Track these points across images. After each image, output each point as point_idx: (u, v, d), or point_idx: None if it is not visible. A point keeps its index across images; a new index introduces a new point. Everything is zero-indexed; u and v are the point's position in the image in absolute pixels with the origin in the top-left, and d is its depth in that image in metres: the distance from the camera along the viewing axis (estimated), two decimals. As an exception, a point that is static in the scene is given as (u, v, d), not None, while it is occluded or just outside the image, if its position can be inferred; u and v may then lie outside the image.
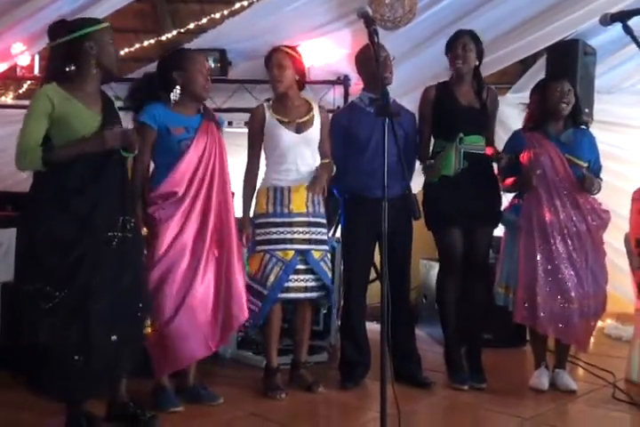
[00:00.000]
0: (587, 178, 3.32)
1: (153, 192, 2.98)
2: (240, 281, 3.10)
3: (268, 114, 3.31)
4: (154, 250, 2.94)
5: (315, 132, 3.36)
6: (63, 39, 2.64)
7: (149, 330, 2.79)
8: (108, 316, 2.55)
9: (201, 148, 3.04)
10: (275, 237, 3.25)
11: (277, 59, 3.31)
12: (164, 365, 2.98)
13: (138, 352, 2.72)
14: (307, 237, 3.29)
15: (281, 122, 3.30)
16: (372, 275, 3.79)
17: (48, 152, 2.56)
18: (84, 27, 2.64)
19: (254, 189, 3.34)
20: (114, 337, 2.56)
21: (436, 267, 3.76)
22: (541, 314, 3.28)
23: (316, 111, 3.40)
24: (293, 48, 3.41)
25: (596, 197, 3.46)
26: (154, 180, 3.04)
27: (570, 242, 3.33)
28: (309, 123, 3.35)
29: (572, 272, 3.31)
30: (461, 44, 3.43)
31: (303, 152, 3.32)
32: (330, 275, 3.38)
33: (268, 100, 3.42)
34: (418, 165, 3.70)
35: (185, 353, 2.97)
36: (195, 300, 2.97)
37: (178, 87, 3.06)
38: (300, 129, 3.32)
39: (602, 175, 3.53)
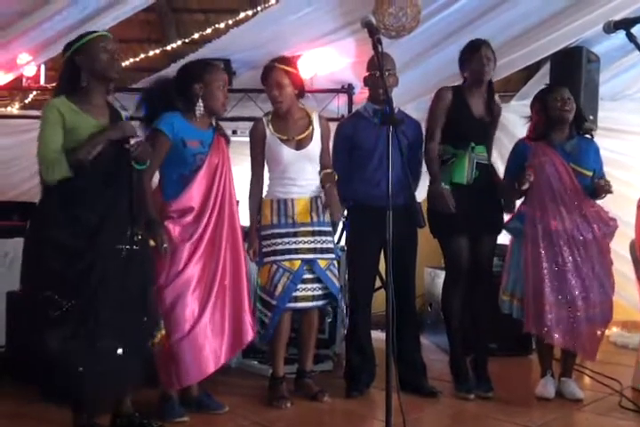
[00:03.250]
0: (604, 182, 3.31)
1: (169, 207, 2.98)
2: (247, 295, 3.12)
3: (268, 131, 3.32)
4: (170, 267, 2.94)
5: (315, 146, 3.36)
6: (64, 58, 2.71)
7: (159, 338, 2.78)
8: (114, 328, 2.55)
9: (214, 163, 3.05)
10: (280, 247, 3.26)
11: (275, 78, 3.27)
12: (173, 380, 2.98)
13: (143, 365, 2.70)
14: (312, 246, 3.30)
15: (280, 139, 3.30)
16: (378, 283, 3.78)
17: (70, 157, 2.54)
18: (72, 44, 2.70)
19: (260, 203, 3.35)
20: (119, 350, 2.56)
21: (440, 275, 3.75)
22: (549, 323, 3.27)
23: (315, 123, 3.39)
24: (290, 62, 3.36)
25: (600, 204, 3.45)
26: (166, 193, 3.03)
27: (576, 250, 3.33)
28: (309, 138, 3.35)
29: (578, 280, 3.30)
30: (484, 54, 3.40)
31: (304, 167, 3.33)
32: (337, 283, 3.37)
33: (267, 114, 3.42)
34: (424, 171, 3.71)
35: (195, 370, 2.97)
36: (208, 318, 2.98)
37: (201, 103, 3.05)
38: (299, 146, 3.33)
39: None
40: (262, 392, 3.38)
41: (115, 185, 2.64)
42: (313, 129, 3.37)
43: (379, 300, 3.41)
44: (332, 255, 3.39)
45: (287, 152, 3.29)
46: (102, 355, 2.51)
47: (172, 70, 3.72)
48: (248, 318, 3.10)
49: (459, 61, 3.52)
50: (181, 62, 4.58)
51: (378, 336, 3.64)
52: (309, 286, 3.29)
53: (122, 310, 2.58)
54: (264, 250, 3.29)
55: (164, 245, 2.89)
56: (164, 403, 3.01)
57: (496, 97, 3.61)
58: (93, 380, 2.49)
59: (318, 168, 3.39)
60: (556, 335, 3.29)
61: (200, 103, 3.06)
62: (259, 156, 3.36)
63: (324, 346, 4.04)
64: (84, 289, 2.51)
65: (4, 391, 3.21)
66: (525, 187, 3.33)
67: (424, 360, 3.57)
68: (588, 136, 3.54)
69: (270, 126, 3.33)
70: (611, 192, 3.36)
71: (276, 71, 3.27)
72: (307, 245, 3.29)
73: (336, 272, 3.39)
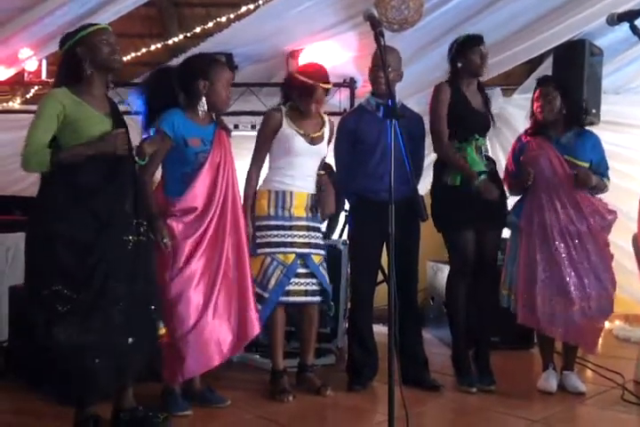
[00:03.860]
0: (579, 173, 3.31)
1: (172, 206, 2.98)
2: (252, 290, 3.12)
3: (285, 122, 3.32)
4: (174, 262, 2.95)
5: (324, 146, 3.42)
6: (62, 49, 2.72)
7: (163, 331, 2.79)
8: (124, 318, 2.57)
9: (216, 161, 3.04)
10: (275, 239, 3.27)
11: (319, 97, 3.30)
12: (177, 374, 2.98)
13: (151, 354, 2.72)
14: (306, 240, 3.31)
15: (297, 132, 3.32)
16: (380, 277, 3.78)
17: (56, 154, 2.56)
18: (73, 35, 2.70)
19: (255, 191, 3.35)
20: (130, 339, 2.58)
21: (443, 269, 3.76)
22: (542, 315, 3.28)
23: (326, 125, 3.45)
24: (328, 77, 3.34)
25: (602, 197, 3.45)
26: (169, 190, 3.04)
27: (570, 243, 3.32)
28: (321, 137, 3.40)
29: (572, 273, 3.30)
30: (482, 51, 3.42)
31: (310, 162, 3.36)
32: (328, 279, 3.39)
33: (284, 104, 3.40)
34: (425, 165, 3.71)
35: (200, 363, 2.98)
36: (213, 311, 2.99)
37: (204, 100, 3.04)
38: (313, 142, 3.35)
39: (610, 177, 3.51)
40: (264, 386, 3.38)
41: (118, 178, 2.64)
42: (324, 131, 3.42)
43: (381, 294, 3.41)
44: (324, 252, 3.41)
45: (301, 144, 3.30)
46: (111, 347, 2.52)
47: (173, 65, 3.72)
48: (253, 313, 3.09)
49: (452, 52, 3.51)
50: (183, 57, 4.60)
51: (380, 330, 3.64)
52: (302, 280, 3.30)
53: (130, 301, 2.59)
54: (258, 241, 3.27)
55: (165, 240, 2.90)
56: (167, 397, 3.02)
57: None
58: (101, 372, 2.50)
59: (318, 166, 3.42)
60: (550, 327, 3.31)
61: (203, 101, 3.05)
62: (265, 144, 3.35)
63: (326, 340, 4.04)
64: (94, 282, 2.52)
65: (7, 387, 3.22)
66: (527, 184, 3.37)
67: (426, 354, 3.57)
68: (588, 128, 3.55)
69: (288, 119, 3.33)
70: (587, 188, 3.34)
71: (320, 91, 3.29)
72: (301, 240, 3.30)
73: (326, 268, 3.40)
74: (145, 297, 2.68)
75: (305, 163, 3.34)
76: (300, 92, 3.31)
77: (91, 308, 2.51)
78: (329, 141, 3.47)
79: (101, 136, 2.62)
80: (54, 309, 2.48)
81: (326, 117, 3.49)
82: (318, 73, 3.33)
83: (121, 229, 2.62)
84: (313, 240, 3.34)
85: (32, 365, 2.60)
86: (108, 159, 2.62)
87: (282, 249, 3.26)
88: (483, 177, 3.37)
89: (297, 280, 3.28)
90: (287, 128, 3.31)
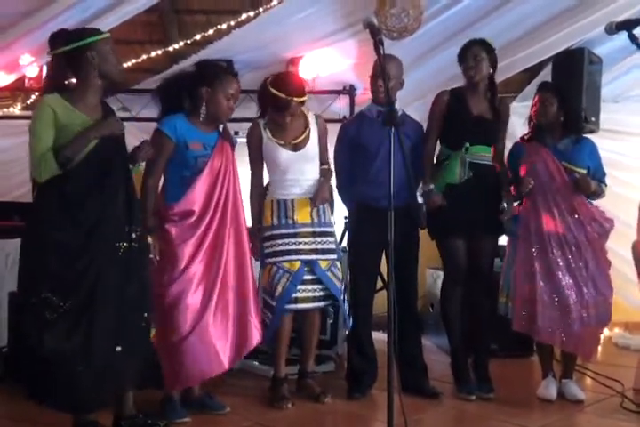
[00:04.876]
0: (580, 179, 3.31)
1: (170, 209, 2.98)
2: (254, 298, 3.11)
3: (265, 135, 3.32)
4: (172, 267, 2.95)
5: (312, 147, 3.37)
6: (66, 48, 2.62)
7: (152, 334, 2.77)
8: (113, 326, 2.55)
9: (217, 166, 3.05)
10: (280, 248, 3.27)
11: (293, 111, 3.26)
12: (175, 380, 2.98)
13: (144, 362, 2.70)
14: (312, 247, 3.30)
15: (278, 143, 3.31)
16: (379, 284, 3.78)
17: (59, 155, 2.51)
18: (85, 36, 2.62)
19: (261, 201, 3.36)
20: (119, 348, 2.55)
21: (442, 276, 3.75)
22: (539, 323, 3.27)
23: (312, 124, 3.40)
24: (305, 91, 3.32)
25: (600, 205, 3.45)
26: (168, 194, 3.04)
27: (568, 250, 3.32)
28: (306, 140, 3.36)
29: (570, 281, 3.30)
30: (472, 54, 3.43)
31: (303, 167, 3.34)
32: (338, 284, 3.36)
33: (262, 116, 3.38)
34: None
35: (198, 371, 2.97)
36: (211, 317, 2.98)
37: (204, 106, 3.05)
38: (296, 147, 3.33)
39: (608, 183, 3.52)
40: (263, 393, 3.38)
41: (110, 183, 2.62)
42: (310, 130, 3.38)
43: (380, 301, 3.41)
44: (334, 256, 3.38)
45: (285, 155, 3.30)
46: (100, 354, 2.51)
47: (172, 71, 3.72)
48: (254, 322, 3.08)
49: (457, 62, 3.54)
50: (183, 63, 4.62)
51: (379, 337, 3.63)
52: (310, 287, 3.29)
53: (121, 308, 2.58)
54: (265, 251, 3.29)
55: (151, 256, 2.89)
56: (166, 404, 3.02)
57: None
58: (91, 379, 2.49)
59: (318, 167, 3.40)
60: (547, 335, 3.30)
61: (204, 107, 3.05)
62: (257, 156, 3.37)
63: (326, 347, 4.04)
64: (82, 289, 2.51)
65: (6, 392, 3.21)
66: (525, 193, 3.37)
67: (425, 361, 3.57)
68: (585, 135, 3.56)
69: (267, 131, 3.33)
70: (587, 194, 3.34)
71: (295, 106, 3.26)
72: (307, 246, 3.29)
73: (338, 273, 3.38)
74: (138, 304, 2.66)
75: (297, 170, 3.32)
76: (274, 106, 3.28)
77: (79, 314, 2.49)
78: (321, 136, 3.41)
79: (94, 123, 2.59)
80: (43, 316, 2.47)
81: (310, 115, 3.43)
82: (292, 86, 3.28)
83: (112, 236, 2.60)
84: (320, 246, 3.32)
85: (27, 371, 2.59)
86: (99, 167, 2.59)
87: (287, 257, 3.26)
88: (432, 187, 3.41)
89: (304, 287, 3.27)
90: (268, 142, 3.31)
